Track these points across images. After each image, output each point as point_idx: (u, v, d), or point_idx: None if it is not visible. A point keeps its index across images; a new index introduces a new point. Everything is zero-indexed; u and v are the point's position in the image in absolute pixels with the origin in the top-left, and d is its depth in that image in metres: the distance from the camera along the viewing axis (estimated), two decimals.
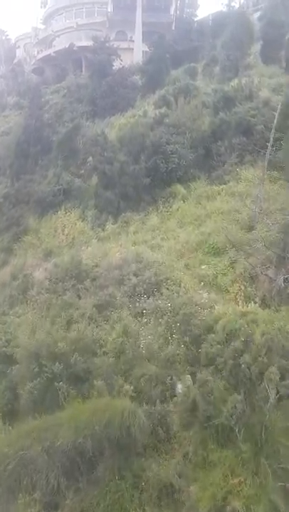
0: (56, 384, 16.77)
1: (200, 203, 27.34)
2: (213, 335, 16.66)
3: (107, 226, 28.43)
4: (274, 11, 44.32)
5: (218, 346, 15.91)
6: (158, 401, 15.89)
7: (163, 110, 35.44)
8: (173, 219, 27.06)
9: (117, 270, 22.45)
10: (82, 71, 64.45)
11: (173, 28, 65.96)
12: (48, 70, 72.39)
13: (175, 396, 16.21)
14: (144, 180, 28.42)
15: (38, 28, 77.26)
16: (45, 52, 71.71)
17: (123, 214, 28.91)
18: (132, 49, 66.36)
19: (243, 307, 17.83)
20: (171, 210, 27.91)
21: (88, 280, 22.52)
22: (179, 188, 28.90)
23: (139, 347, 17.19)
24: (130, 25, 66.36)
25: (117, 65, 52.71)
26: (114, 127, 42.73)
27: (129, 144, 30.17)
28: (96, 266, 24.02)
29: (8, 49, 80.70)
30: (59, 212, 31.02)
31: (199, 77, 46.20)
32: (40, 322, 20.89)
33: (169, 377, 16.39)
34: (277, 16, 43.26)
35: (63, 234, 29.28)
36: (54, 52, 69.46)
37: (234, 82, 38.05)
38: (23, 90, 66.52)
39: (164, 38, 50.78)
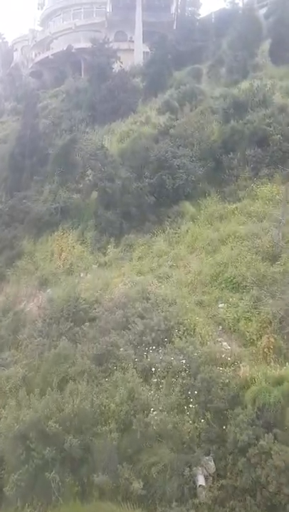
0: (47, 474, 13.11)
1: (212, 224, 23.67)
2: (240, 410, 12.97)
3: (109, 250, 24.78)
4: (284, 7, 40.32)
5: (249, 431, 12.20)
6: (174, 501, 12.22)
7: (167, 119, 31.63)
8: (182, 243, 23.39)
9: (120, 310, 18.82)
10: (81, 74, 60.84)
11: (174, 27, 62.21)
12: (47, 73, 68.77)
13: (196, 492, 12.45)
14: (149, 198, 24.72)
15: (35, 30, 73.46)
16: (42, 55, 68.12)
17: (126, 236, 25.21)
18: (133, 50, 62.70)
19: (276, 369, 14.09)
20: (179, 231, 24.20)
21: (87, 323, 18.92)
22: (188, 207, 25.21)
23: (149, 425, 13.49)
24: (130, 25, 62.66)
25: (116, 67, 49.06)
26: (116, 134, 39.19)
27: (132, 158, 26.47)
28: (96, 301, 20.43)
29: (6, 52, 76.86)
30: (56, 234, 27.39)
31: (204, 79, 42.42)
32: (30, 376, 17.33)
33: (188, 467, 12.69)
34: (288, 13, 39.31)
35: (60, 258, 25.71)
36: (52, 55, 65.95)
37: (244, 85, 34.38)
38: (20, 95, 62.99)
39: (165, 39, 46.96)
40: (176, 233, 24.14)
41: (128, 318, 18.38)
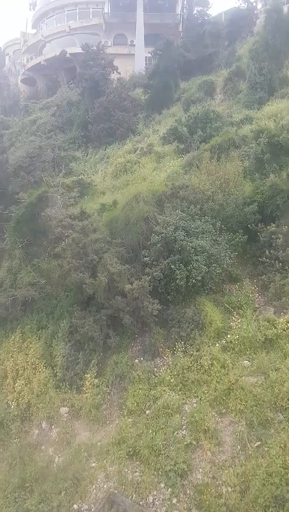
0: None
1: (254, 354, 13.65)
2: None
3: (87, 381, 14.81)
4: None
5: None
6: None
7: (179, 177, 21.62)
8: (208, 387, 13.32)
9: None
10: (76, 82, 50.05)
11: (180, 29, 51.59)
12: (39, 80, 58.74)
13: None
14: (150, 305, 14.66)
15: (27, 33, 62.72)
16: (34, 61, 57.96)
17: (114, 357, 15.28)
18: (134, 55, 51.96)
19: None
20: (201, 364, 14.11)
21: None
22: (211, 314, 15.14)
23: None
24: (131, 27, 52.47)
25: (114, 76, 38.78)
26: (111, 165, 29.33)
27: (125, 233, 16.27)
28: None
29: None
30: (12, 339, 17.37)
31: (218, 95, 32.04)
32: None
33: None
34: None
35: (14, 391, 15.71)
36: (44, 61, 55.85)
37: (272, 108, 24.36)
38: (8, 106, 52.81)
39: (170, 45, 36.86)
40: (193, 365, 14.07)
41: None
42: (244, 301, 15.49)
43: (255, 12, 45.70)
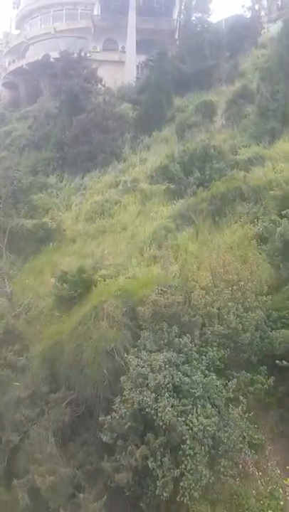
0: None
1: None
2: None
3: None
4: None
5: None
6: None
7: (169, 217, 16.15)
8: None
9: None
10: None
11: (176, 37, 45.15)
12: (22, 85, 51.80)
13: None
14: None
15: (10, 33, 55.89)
16: (16, 64, 51.19)
17: None
18: (124, 62, 45.58)
19: None
20: None
21: None
22: None
23: None
24: (122, 32, 46.13)
25: (100, 86, 32.54)
26: (86, 200, 23.24)
27: (74, 378, 9.55)
28: None
29: None
30: None
31: (219, 119, 25.77)
32: None
33: None
34: None
35: None
36: (26, 65, 49.10)
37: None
38: None
39: (164, 55, 30.43)
40: None
41: None
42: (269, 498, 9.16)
43: (260, 21, 39.49)
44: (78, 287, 15.83)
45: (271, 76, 22.59)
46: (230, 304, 9.49)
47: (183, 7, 47.62)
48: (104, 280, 15.35)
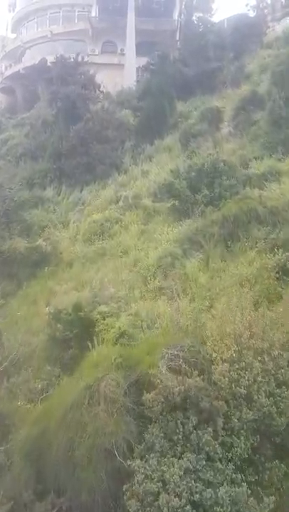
0: None
1: None
2: None
3: None
4: None
5: None
6: None
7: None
8: None
9: None
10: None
11: (177, 37, 42.97)
12: (19, 90, 49.73)
13: None
14: None
15: (6, 37, 53.85)
16: (13, 69, 49.27)
17: None
18: (124, 65, 43.57)
19: None
20: None
21: None
22: None
23: None
24: (121, 34, 44.15)
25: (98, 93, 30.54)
26: (85, 219, 21.27)
27: (65, 481, 7.32)
28: None
29: None
30: None
31: (226, 127, 23.77)
32: None
33: None
34: None
35: None
36: (23, 69, 47.15)
37: None
38: None
39: (166, 59, 28.26)
40: None
41: None
42: None
43: (266, 20, 37.33)
44: (74, 327, 13.90)
45: (284, 81, 20.48)
46: (260, 379, 7.45)
47: (183, 7, 45.52)
48: (104, 319, 13.42)
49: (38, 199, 25.71)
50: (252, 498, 6.24)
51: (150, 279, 15.09)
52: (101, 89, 30.15)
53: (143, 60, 38.74)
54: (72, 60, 29.70)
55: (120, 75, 43.42)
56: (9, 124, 42.22)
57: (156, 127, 28.21)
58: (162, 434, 6.72)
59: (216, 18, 41.38)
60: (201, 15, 41.00)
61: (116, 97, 35.93)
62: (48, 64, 44.65)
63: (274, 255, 13.08)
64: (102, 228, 19.87)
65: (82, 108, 27.22)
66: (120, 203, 21.47)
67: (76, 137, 25.55)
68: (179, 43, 42.37)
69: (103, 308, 13.90)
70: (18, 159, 32.57)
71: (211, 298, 13.00)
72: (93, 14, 46.01)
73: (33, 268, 19.45)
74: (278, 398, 7.52)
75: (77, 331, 13.70)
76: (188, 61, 33.12)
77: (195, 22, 37.36)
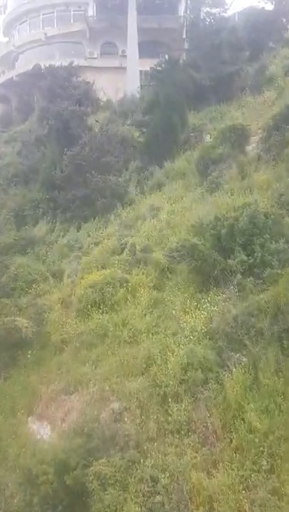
0: None
1: None
2: None
3: None
4: None
5: None
6: None
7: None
8: None
9: None
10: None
11: (184, 36, 37.55)
12: (13, 98, 44.63)
13: None
14: None
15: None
16: (6, 76, 44.02)
17: None
18: (126, 68, 38.40)
19: None
20: None
21: None
22: None
23: None
24: (121, 33, 39.04)
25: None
26: (84, 274, 16.25)
27: None
28: None
29: None
30: None
31: (253, 149, 18.53)
32: None
33: None
34: None
35: None
36: (16, 76, 41.97)
37: None
38: None
39: (175, 65, 23.36)
40: None
41: None
42: None
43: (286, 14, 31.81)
44: (58, 498, 9.03)
45: None
46: None
47: (189, 1, 40.01)
48: (105, 489, 8.59)
49: (28, 241, 20.76)
50: None
51: (171, 402, 10.12)
52: (101, 96, 24.88)
53: (146, 62, 33.55)
54: (65, 68, 24.43)
55: (122, 79, 38.28)
56: (1, 138, 37.34)
57: (166, 145, 23.08)
58: None
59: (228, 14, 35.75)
60: (208, 9, 35.45)
61: (118, 106, 30.85)
62: (43, 70, 39.68)
63: None
64: (102, 294, 14.78)
65: (76, 128, 22.07)
66: (125, 255, 16.38)
67: (71, 165, 20.51)
68: (186, 42, 36.94)
69: (101, 467, 8.98)
70: (9, 181, 27.79)
71: (270, 454, 8.18)
72: (90, 13, 40.70)
73: (14, 351, 14.59)
74: None
75: (65, 504, 8.91)
76: (200, 64, 27.77)
77: (205, 18, 31.76)
